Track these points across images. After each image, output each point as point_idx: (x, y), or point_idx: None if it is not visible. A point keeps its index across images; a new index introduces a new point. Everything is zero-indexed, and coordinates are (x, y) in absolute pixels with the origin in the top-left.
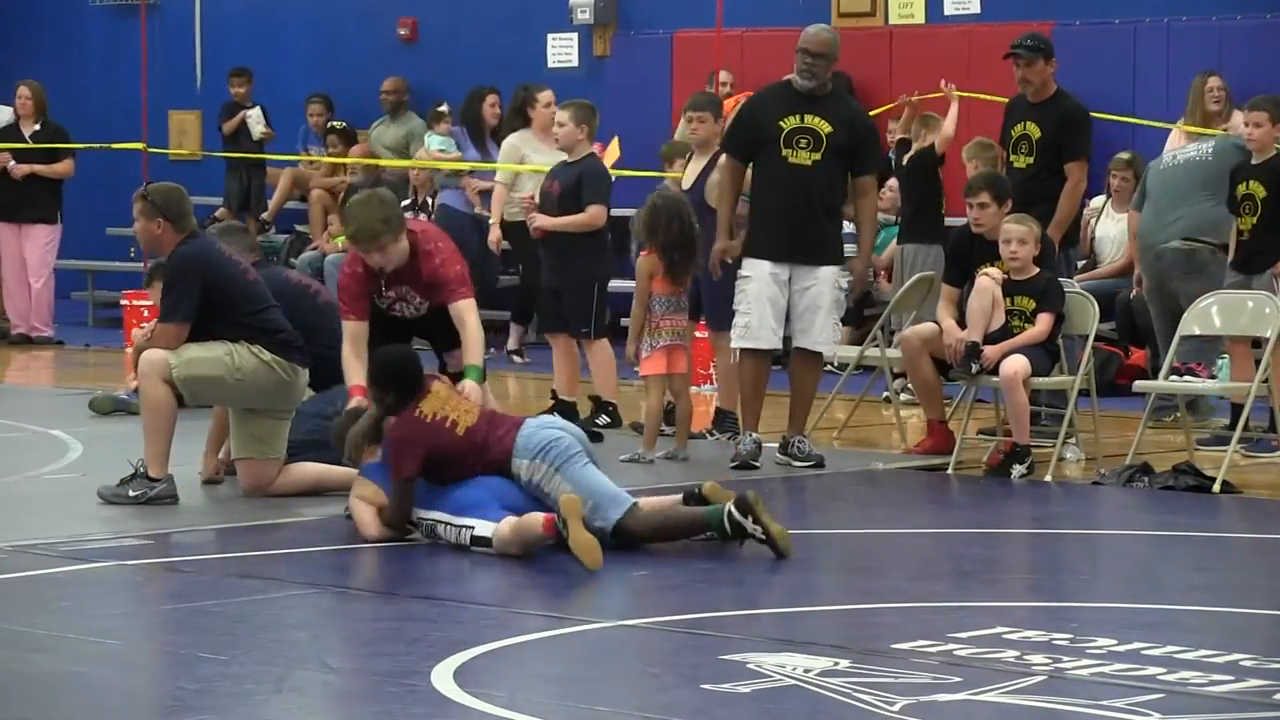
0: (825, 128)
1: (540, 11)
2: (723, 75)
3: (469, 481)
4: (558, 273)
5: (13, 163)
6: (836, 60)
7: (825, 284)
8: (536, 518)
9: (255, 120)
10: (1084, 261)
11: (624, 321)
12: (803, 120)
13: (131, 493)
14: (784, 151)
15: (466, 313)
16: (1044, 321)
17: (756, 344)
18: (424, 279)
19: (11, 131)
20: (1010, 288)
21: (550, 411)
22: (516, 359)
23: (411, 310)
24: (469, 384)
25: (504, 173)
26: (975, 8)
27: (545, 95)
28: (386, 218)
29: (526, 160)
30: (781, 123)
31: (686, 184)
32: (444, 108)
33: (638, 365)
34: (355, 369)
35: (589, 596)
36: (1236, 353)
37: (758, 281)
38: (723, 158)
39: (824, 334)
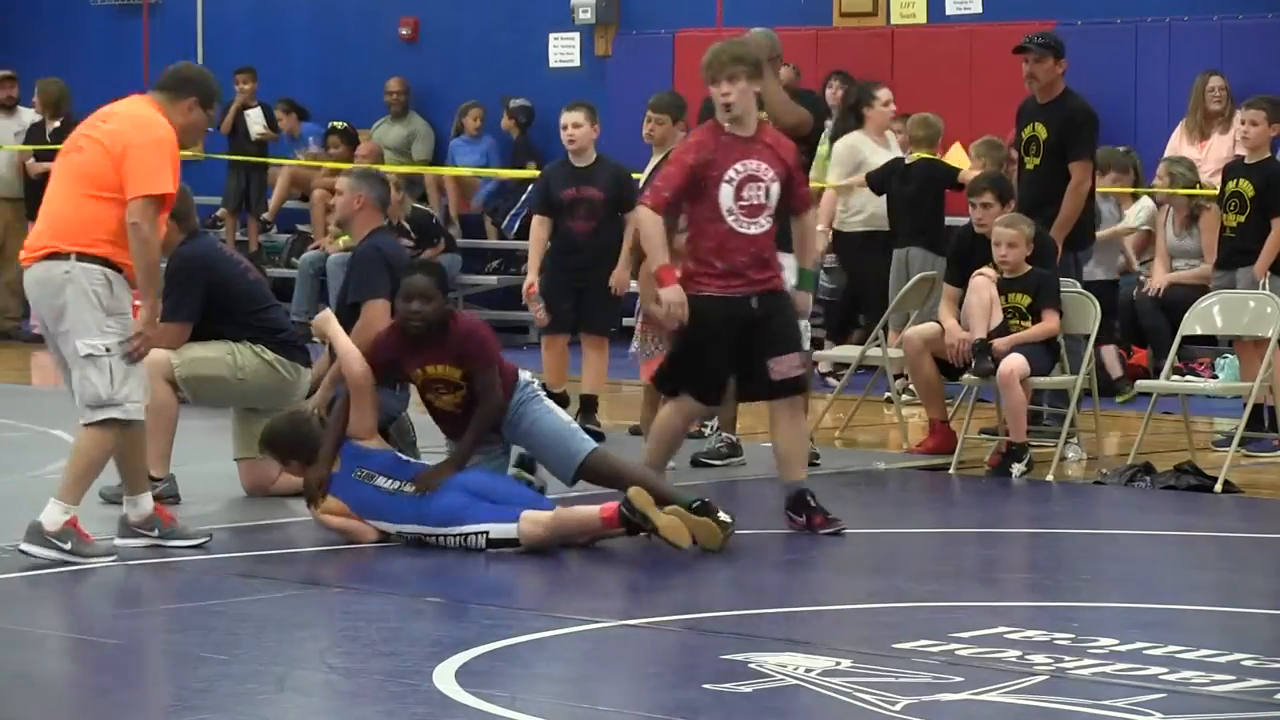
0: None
1: (542, 11)
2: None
3: (442, 490)
4: (586, 273)
5: (31, 160)
6: (780, 57)
7: None
8: (586, 511)
9: (254, 120)
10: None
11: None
12: None
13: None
14: None
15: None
16: (1050, 318)
17: None
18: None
19: (38, 130)
20: (1004, 285)
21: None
22: (833, 381)
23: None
24: None
25: (837, 177)
26: (977, 7)
27: (883, 94)
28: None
29: (865, 164)
30: None
31: (642, 182)
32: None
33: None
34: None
35: (589, 596)
36: (1244, 353)
37: None
38: None
39: None
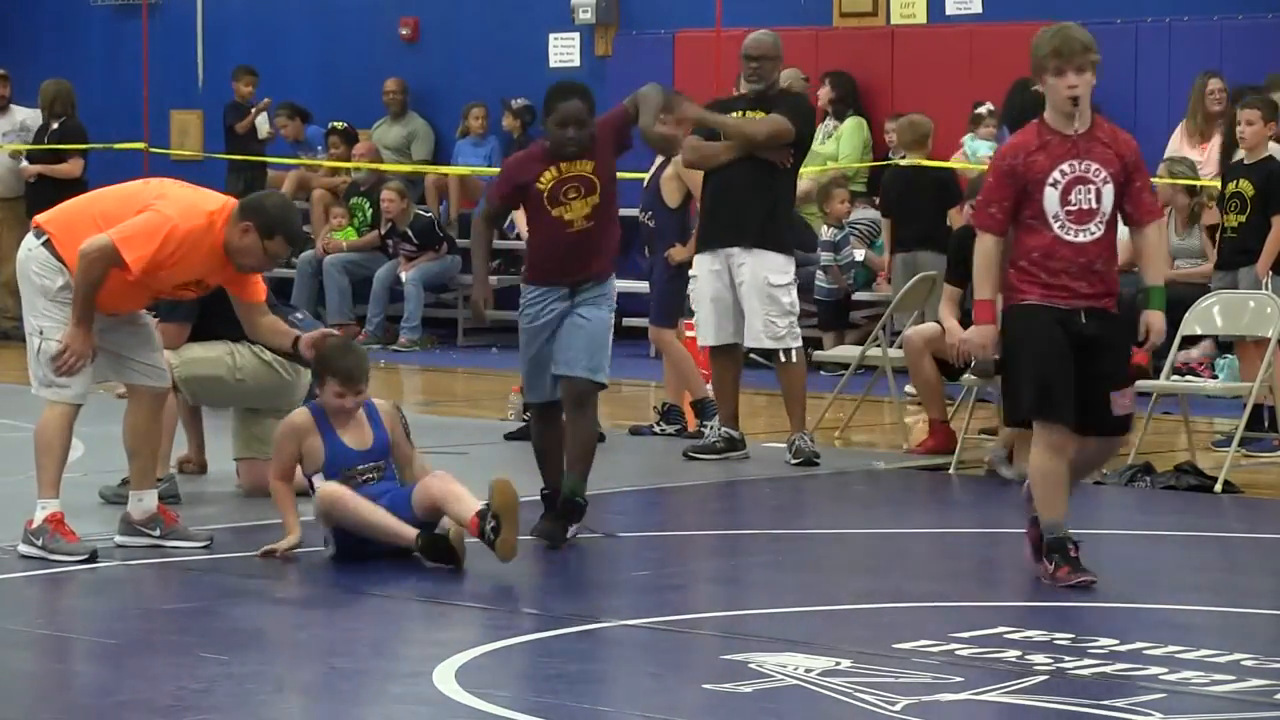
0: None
1: (542, 11)
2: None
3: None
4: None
5: (24, 163)
6: (780, 61)
7: (756, 272)
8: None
9: (262, 121)
10: None
11: (626, 321)
12: (743, 114)
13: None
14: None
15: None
16: None
17: (705, 341)
18: None
19: (43, 132)
20: None
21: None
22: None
23: None
24: None
25: None
26: (977, 7)
27: None
28: None
29: None
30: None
31: (646, 181)
32: (986, 107)
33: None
34: None
35: (589, 596)
36: (1246, 353)
37: (702, 279)
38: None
39: (764, 328)
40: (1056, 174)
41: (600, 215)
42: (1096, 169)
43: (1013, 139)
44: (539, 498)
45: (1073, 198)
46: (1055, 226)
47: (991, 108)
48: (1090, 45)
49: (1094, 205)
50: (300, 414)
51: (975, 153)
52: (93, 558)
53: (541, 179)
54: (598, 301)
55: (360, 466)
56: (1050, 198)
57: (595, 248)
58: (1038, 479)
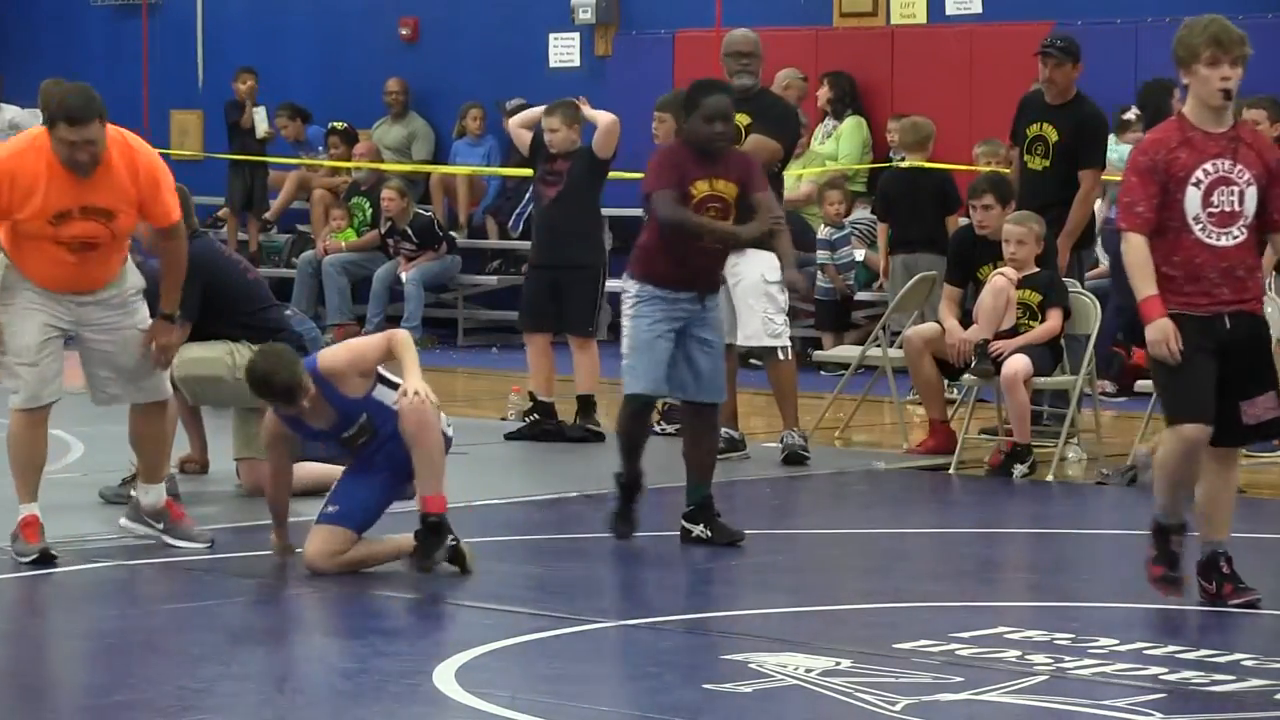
0: (745, 120)
1: (542, 11)
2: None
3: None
4: (554, 268)
5: None
6: (761, 58)
7: (752, 272)
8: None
9: (260, 118)
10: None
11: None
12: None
13: (133, 492)
14: None
15: None
16: (1055, 317)
17: None
18: None
19: None
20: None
21: (529, 414)
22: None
23: None
24: None
25: None
26: (977, 8)
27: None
28: None
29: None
30: None
31: None
32: (1133, 112)
33: None
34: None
35: (589, 596)
36: None
37: None
38: None
39: (763, 325)
40: (1200, 173)
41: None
42: (1240, 170)
43: (1151, 134)
44: (614, 488)
45: (1215, 199)
46: (1196, 229)
47: (1139, 112)
48: (1245, 38)
49: (1237, 208)
50: (271, 421)
51: (1122, 158)
52: (44, 558)
53: (696, 186)
54: (718, 322)
55: (344, 436)
56: (1192, 199)
57: (721, 263)
58: (1160, 467)
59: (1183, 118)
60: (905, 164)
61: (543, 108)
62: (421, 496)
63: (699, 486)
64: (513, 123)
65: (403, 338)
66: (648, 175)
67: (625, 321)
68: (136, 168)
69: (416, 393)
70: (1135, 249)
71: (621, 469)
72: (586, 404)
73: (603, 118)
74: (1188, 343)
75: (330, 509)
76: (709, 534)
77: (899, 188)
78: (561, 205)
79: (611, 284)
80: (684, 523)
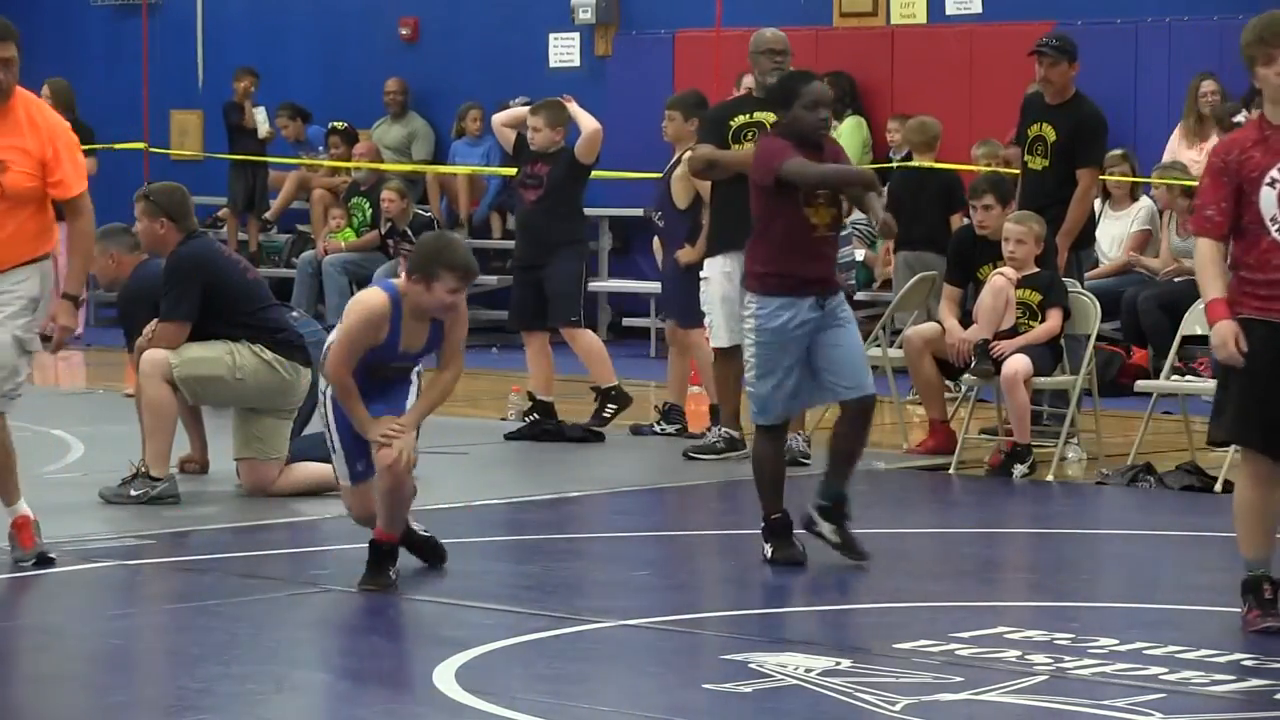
0: (770, 117)
1: (542, 11)
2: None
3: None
4: (537, 268)
5: None
6: (792, 55)
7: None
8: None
9: (261, 119)
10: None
11: (626, 321)
12: (751, 116)
13: (133, 492)
14: (733, 146)
15: None
16: (1055, 317)
17: (718, 343)
18: None
19: None
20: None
21: (529, 414)
22: None
23: None
24: None
25: None
26: (977, 8)
27: None
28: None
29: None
30: (731, 121)
31: (662, 177)
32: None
33: None
34: None
35: (589, 596)
36: None
37: (714, 281)
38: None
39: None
40: (1275, 172)
41: (836, 228)
42: None
43: (1230, 134)
44: (762, 529)
45: None
46: (1273, 230)
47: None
48: None
49: None
50: (380, 301)
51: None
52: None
53: None
54: (848, 318)
55: (395, 365)
56: (1267, 199)
57: (834, 258)
58: (1238, 510)
59: (1263, 118)
60: (906, 164)
61: (527, 107)
62: (378, 528)
63: (838, 485)
64: (496, 120)
65: (451, 376)
66: (759, 162)
67: (747, 336)
68: (37, 124)
69: (401, 450)
70: (1201, 253)
71: (764, 510)
72: (619, 396)
73: (587, 125)
74: (1260, 361)
75: (359, 467)
76: (837, 540)
77: (905, 186)
78: (542, 207)
79: (611, 284)
80: (814, 514)
